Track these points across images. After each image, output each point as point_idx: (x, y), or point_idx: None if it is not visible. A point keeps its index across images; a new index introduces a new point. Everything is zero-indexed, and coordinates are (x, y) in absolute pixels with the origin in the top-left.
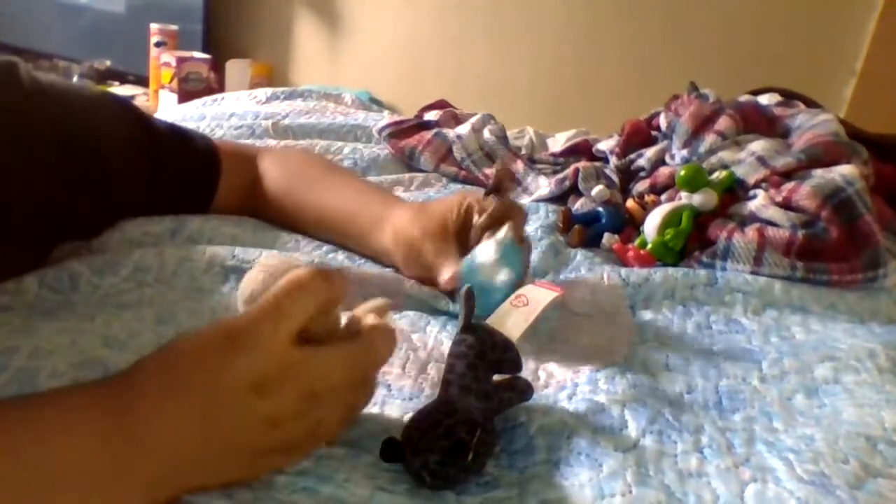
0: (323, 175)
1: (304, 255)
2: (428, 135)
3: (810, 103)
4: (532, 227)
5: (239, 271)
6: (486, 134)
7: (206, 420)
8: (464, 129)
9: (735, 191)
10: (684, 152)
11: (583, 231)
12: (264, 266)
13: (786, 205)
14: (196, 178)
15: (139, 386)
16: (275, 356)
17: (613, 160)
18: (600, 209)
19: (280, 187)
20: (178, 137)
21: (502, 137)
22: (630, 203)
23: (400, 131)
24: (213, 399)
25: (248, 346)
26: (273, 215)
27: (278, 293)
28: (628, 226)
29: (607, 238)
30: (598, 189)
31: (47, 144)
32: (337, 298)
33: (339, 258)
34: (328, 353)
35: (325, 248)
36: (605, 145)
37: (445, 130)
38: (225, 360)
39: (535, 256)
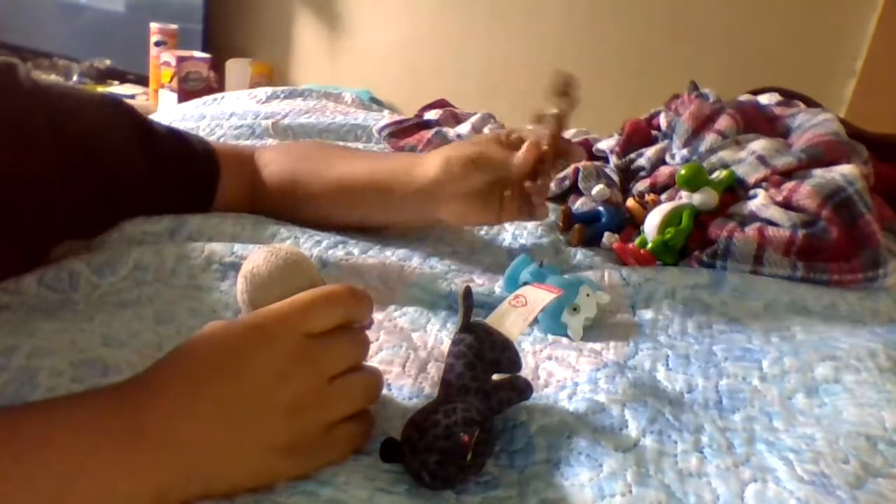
0: (332, 149)
1: (303, 251)
2: (428, 134)
3: (810, 103)
4: (532, 226)
5: (237, 268)
6: (487, 132)
7: (226, 414)
8: (464, 128)
9: (735, 190)
10: (684, 151)
11: (583, 230)
12: (271, 247)
13: (786, 204)
14: (196, 179)
15: (153, 389)
16: (296, 345)
17: (613, 159)
18: (600, 208)
19: (286, 171)
20: (177, 140)
21: None
22: (630, 202)
23: (400, 130)
24: (236, 389)
25: (274, 336)
26: (280, 203)
27: (309, 298)
28: (628, 225)
29: (607, 237)
30: (598, 188)
31: (46, 145)
32: (361, 317)
33: (339, 253)
34: (342, 340)
35: (325, 243)
36: (605, 144)
37: (445, 129)
38: (253, 348)
39: (535, 255)
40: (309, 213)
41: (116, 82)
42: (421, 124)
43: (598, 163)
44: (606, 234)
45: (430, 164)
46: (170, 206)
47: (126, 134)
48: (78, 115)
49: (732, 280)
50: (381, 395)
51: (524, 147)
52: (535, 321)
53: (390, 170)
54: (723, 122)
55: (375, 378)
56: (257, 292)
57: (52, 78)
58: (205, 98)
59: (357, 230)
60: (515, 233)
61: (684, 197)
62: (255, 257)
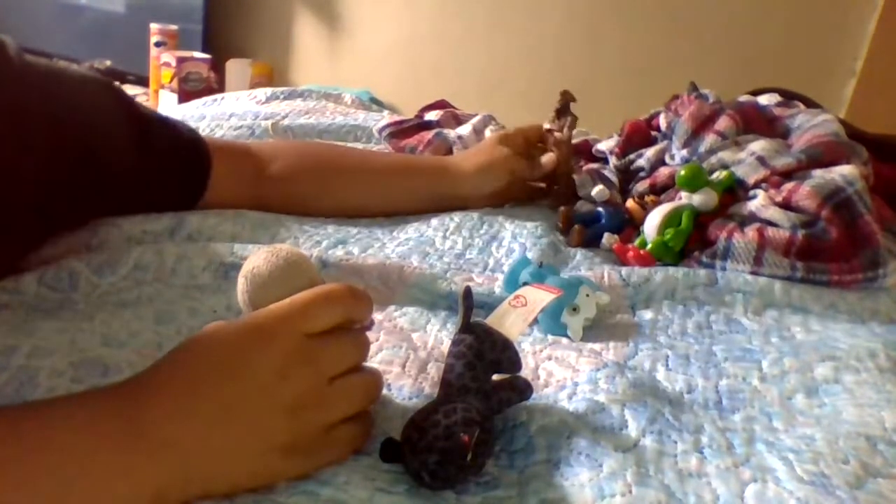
0: (346, 147)
1: (303, 251)
2: (428, 135)
3: (810, 103)
4: (532, 226)
5: (237, 268)
6: (488, 134)
7: (226, 414)
8: (465, 129)
9: (735, 191)
10: (684, 152)
11: (582, 231)
12: (272, 247)
13: (786, 205)
14: (186, 164)
15: (153, 389)
16: (296, 345)
17: (613, 160)
18: (600, 209)
19: (303, 160)
20: (166, 124)
21: None
22: (630, 203)
23: (400, 131)
24: (236, 389)
25: (273, 336)
26: (298, 191)
27: (308, 297)
28: (628, 226)
29: (607, 238)
30: (597, 189)
31: (35, 123)
32: (361, 317)
33: (339, 253)
34: (342, 341)
35: (325, 243)
36: (604, 145)
37: (446, 131)
38: (253, 348)
39: (534, 255)
40: (333, 199)
41: (116, 83)
42: (421, 125)
43: (595, 164)
44: (606, 234)
45: (462, 157)
46: (160, 190)
47: (115, 114)
48: (67, 94)
49: (732, 280)
50: (381, 396)
51: (548, 156)
52: (535, 321)
53: (427, 161)
54: (722, 123)
55: (375, 379)
56: (258, 292)
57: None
58: (205, 98)
59: (366, 217)
60: (515, 232)
61: (684, 198)
62: (256, 257)
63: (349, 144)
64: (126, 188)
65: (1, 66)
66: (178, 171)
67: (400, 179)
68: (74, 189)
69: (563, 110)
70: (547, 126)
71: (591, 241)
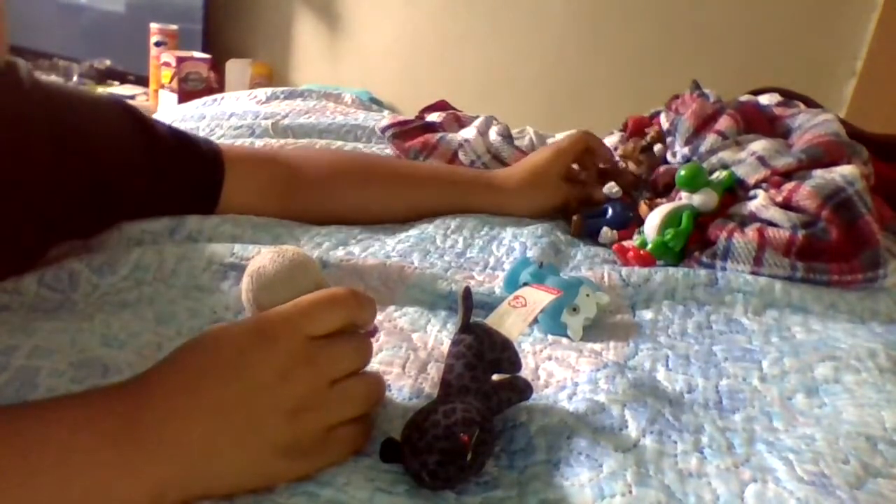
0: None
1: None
2: (433, 138)
3: (811, 103)
4: (532, 226)
5: (238, 269)
6: (493, 135)
7: (226, 414)
8: (469, 133)
9: (735, 191)
10: (686, 150)
11: (580, 221)
12: (278, 247)
13: (786, 205)
14: (198, 181)
15: (153, 388)
16: (298, 346)
17: (618, 154)
18: (607, 205)
19: (352, 163)
20: (179, 141)
21: (507, 137)
22: (643, 206)
23: (403, 132)
24: (237, 389)
25: (275, 338)
26: (334, 196)
27: (312, 300)
28: (632, 223)
29: (605, 232)
30: (610, 185)
31: (43, 147)
32: (364, 321)
33: (339, 254)
34: (344, 344)
35: (326, 245)
36: (608, 141)
37: (450, 136)
38: (254, 349)
39: (534, 255)
40: (377, 208)
41: (116, 83)
42: (425, 126)
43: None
44: (605, 228)
45: (514, 170)
46: (171, 205)
47: (126, 136)
48: (77, 117)
49: (732, 281)
50: (382, 399)
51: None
52: (535, 321)
53: (473, 173)
54: (723, 123)
55: (377, 383)
56: (262, 292)
57: (53, 78)
58: (205, 98)
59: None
60: (515, 232)
61: (684, 198)
62: (262, 257)
63: (350, 144)
64: (134, 204)
65: (10, 89)
66: (189, 190)
67: (447, 192)
68: (79, 204)
69: (649, 148)
70: (618, 150)
71: (592, 234)
